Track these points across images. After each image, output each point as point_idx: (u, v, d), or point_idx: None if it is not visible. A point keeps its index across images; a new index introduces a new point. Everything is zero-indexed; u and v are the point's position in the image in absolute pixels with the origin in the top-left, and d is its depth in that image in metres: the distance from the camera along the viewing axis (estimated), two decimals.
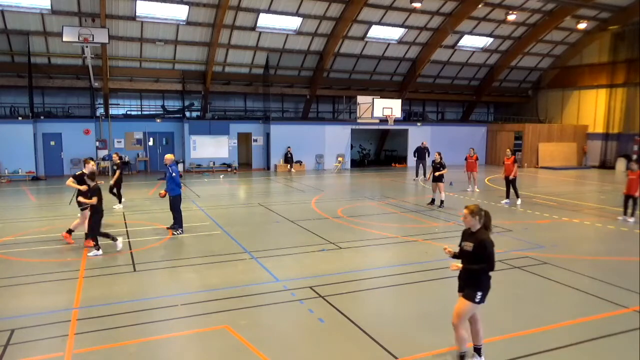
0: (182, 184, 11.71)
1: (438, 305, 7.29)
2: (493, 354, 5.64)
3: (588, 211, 14.95)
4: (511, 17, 25.70)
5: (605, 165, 29.72)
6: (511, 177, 15.98)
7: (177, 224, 11.58)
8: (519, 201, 15.93)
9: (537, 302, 7.40)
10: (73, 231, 10.58)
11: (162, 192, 11.69)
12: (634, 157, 21.42)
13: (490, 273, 5.23)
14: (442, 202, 15.29)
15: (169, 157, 11.63)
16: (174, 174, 11.40)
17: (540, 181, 23.42)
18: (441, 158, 15.71)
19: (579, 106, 31.95)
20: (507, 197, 16.24)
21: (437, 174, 15.32)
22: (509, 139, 30.92)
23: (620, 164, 28.04)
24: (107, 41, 21.37)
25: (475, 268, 5.16)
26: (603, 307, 7.10)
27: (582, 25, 28.03)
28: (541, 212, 14.57)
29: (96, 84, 23.94)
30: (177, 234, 11.41)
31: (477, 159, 19.18)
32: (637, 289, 7.76)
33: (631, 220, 13.09)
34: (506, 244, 10.66)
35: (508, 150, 17.19)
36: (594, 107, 30.91)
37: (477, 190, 18.89)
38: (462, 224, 13.27)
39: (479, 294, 5.15)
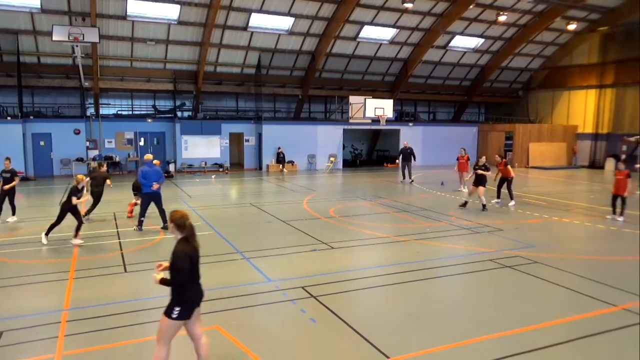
0: (148, 184, 11.73)
1: (429, 304, 7.33)
2: (483, 353, 5.68)
3: (578, 210, 15.09)
4: (502, 18, 25.86)
5: (595, 165, 30.00)
6: (510, 177, 16.09)
7: (163, 221, 11.86)
8: (512, 202, 16.02)
9: (527, 300, 7.45)
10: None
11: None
12: (623, 157, 21.60)
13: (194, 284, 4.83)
14: (484, 205, 14.72)
15: (146, 157, 12.29)
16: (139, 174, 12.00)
17: (531, 181, 23.60)
18: (484, 161, 15.31)
19: (569, 106, 32.23)
20: (498, 197, 16.35)
21: (479, 172, 14.89)
22: (500, 139, 31.12)
23: (610, 163, 28.31)
24: (97, 40, 21.21)
25: (167, 280, 4.72)
26: (592, 305, 7.17)
27: (572, 27, 28.30)
28: (532, 211, 14.68)
29: (86, 84, 23.75)
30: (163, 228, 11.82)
31: (468, 159, 19.26)
32: (626, 287, 7.85)
33: (620, 219, 13.24)
34: (497, 244, 10.73)
35: (497, 156, 17.34)
36: (583, 108, 31.20)
37: (466, 190, 18.92)
38: (453, 223, 13.34)
39: (176, 309, 4.70)
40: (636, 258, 9.67)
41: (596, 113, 30.17)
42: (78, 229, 10.53)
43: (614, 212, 13.51)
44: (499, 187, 16.35)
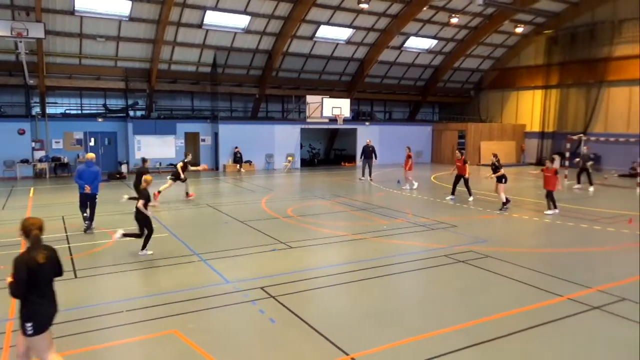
0: (82, 184, 11.52)
1: (388, 301, 7.45)
2: (441, 346, 5.83)
3: (527, 206, 15.75)
4: (454, 20, 26.58)
5: (542, 162, 31.21)
6: (466, 175, 16.59)
7: (90, 224, 11.67)
8: (470, 198, 16.53)
9: (480, 294, 7.71)
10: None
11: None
12: (567, 154, 22.76)
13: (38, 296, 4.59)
14: (504, 203, 14.74)
15: (88, 156, 12.18)
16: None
17: (483, 178, 24.34)
18: (498, 160, 15.49)
19: (517, 106, 33.58)
20: (453, 193, 16.82)
21: (493, 175, 15.22)
22: (453, 138, 32.01)
23: (555, 161, 29.66)
24: (43, 36, 20.25)
25: (12, 284, 4.44)
26: (541, 296, 7.50)
27: (519, 29, 29.48)
28: (484, 207, 15.19)
29: (31, 82, 22.60)
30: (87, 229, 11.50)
31: (409, 157, 19.49)
32: (570, 277, 8.25)
33: (556, 211, 14.09)
34: (451, 239, 11.04)
35: (457, 152, 17.87)
36: (530, 107, 32.58)
37: (407, 188, 19.31)
38: (410, 220, 13.56)
39: (28, 325, 4.50)
40: (579, 250, 10.20)
41: (542, 112, 31.57)
42: (148, 238, 9.78)
43: (549, 207, 14.37)
44: (455, 183, 16.85)
